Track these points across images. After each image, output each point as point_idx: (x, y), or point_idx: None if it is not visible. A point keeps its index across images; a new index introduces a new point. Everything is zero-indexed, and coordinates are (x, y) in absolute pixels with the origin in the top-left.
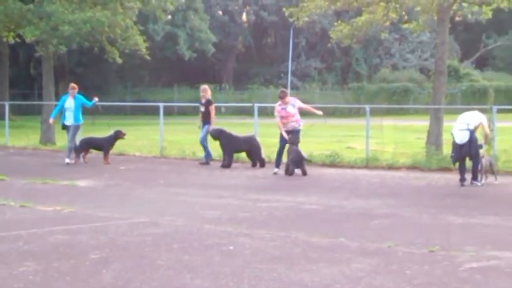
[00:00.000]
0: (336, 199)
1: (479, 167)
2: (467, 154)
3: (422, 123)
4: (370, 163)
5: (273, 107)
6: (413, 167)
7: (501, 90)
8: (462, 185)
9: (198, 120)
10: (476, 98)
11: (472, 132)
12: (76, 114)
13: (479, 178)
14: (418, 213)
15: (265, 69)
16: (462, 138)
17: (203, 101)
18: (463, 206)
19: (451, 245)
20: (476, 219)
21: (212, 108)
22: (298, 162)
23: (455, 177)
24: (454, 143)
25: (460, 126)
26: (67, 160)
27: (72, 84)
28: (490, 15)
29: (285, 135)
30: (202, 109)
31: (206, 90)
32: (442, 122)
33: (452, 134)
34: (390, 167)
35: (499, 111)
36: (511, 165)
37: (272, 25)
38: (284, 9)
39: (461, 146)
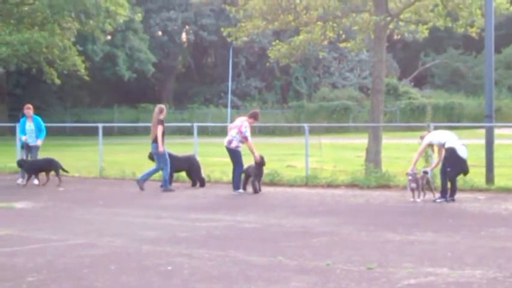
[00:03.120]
0: (275, 218)
1: (414, 185)
2: (466, 169)
3: (362, 141)
4: (309, 181)
5: (214, 127)
6: (352, 185)
7: (439, 107)
8: (453, 200)
9: None
10: (415, 115)
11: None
12: (36, 134)
13: (421, 195)
14: (356, 230)
15: (206, 89)
16: (466, 153)
17: None
18: (402, 223)
19: (389, 262)
20: (414, 236)
21: None
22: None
23: (393, 194)
24: (456, 157)
25: (461, 141)
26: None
27: (28, 105)
28: (426, 33)
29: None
30: None
31: None
32: (381, 140)
33: (454, 149)
34: (329, 185)
35: (437, 128)
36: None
37: (212, 45)
38: (222, 29)
39: (465, 161)
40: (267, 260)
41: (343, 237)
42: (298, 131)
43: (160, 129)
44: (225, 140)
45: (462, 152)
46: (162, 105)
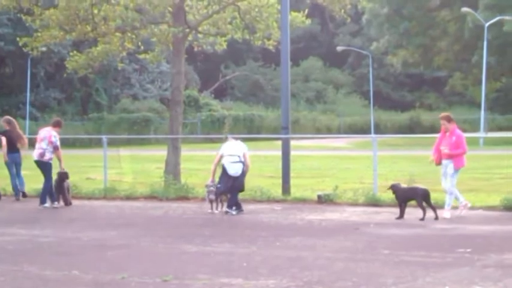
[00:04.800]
0: (72, 231)
1: (212, 197)
2: (239, 186)
3: (163, 152)
4: (108, 194)
5: None
6: (151, 197)
7: (239, 119)
8: (232, 213)
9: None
10: (215, 127)
11: (243, 164)
12: None
13: (219, 207)
14: (153, 243)
15: (3, 100)
16: (237, 170)
17: None
18: (199, 235)
19: (185, 273)
20: (211, 247)
21: None
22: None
23: (192, 205)
24: (225, 175)
25: (232, 158)
26: None
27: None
28: (225, 46)
29: None
30: None
31: None
32: (180, 152)
33: (224, 166)
34: (128, 197)
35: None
36: (246, 193)
37: (9, 55)
38: (18, 38)
39: (235, 178)
40: (61, 274)
41: (140, 250)
42: (99, 143)
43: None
44: (35, 153)
45: (231, 170)
46: None
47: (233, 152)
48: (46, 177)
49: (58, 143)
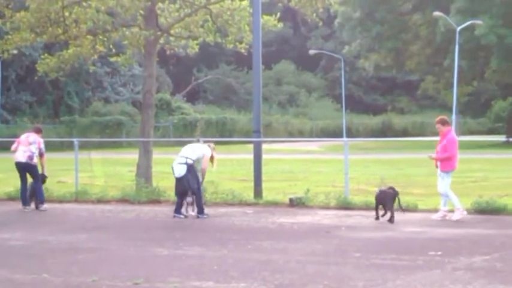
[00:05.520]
0: (42, 234)
1: (189, 200)
2: (187, 188)
3: (135, 156)
4: (79, 197)
5: None
6: (123, 200)
7: (212, 122)
8: (198, 216)
9: None
10: (188, 130)
11: (190, 166)
12: None
13: (194, 209)
14: (125, 246)
15: None
16: (179, 171)
17: None
18: (170, 238)
19: (156, 276)
20: (182, 251)
21: None
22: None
23: (164, 209)
24: (175, 178)
25: (178, 159)
26: None
27: None
28: (197, 49)
29: None
30: None
31: None
32: (151, 155)
33: (172, 168)
34: (100, 201)
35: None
36: (218, 196)
37: None
38: None
39: (180, 179)
40: (31, 278)
41: (111, 253)
42: (70, 146)
43: None
44: (22, 156)
45: (175, 171)
46: None
47: (182, 154)
48: (35, 178)
49: (44, 150)
